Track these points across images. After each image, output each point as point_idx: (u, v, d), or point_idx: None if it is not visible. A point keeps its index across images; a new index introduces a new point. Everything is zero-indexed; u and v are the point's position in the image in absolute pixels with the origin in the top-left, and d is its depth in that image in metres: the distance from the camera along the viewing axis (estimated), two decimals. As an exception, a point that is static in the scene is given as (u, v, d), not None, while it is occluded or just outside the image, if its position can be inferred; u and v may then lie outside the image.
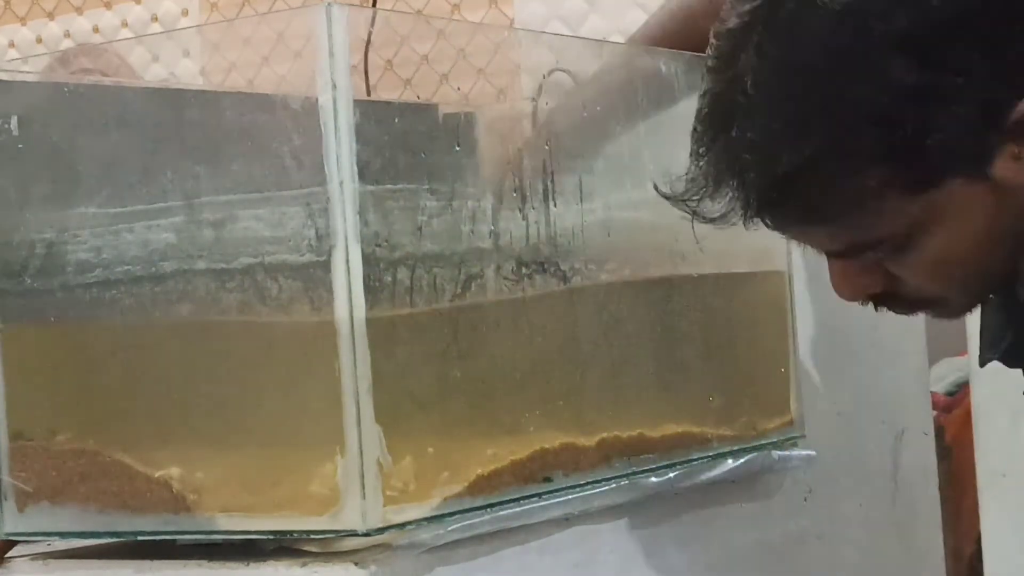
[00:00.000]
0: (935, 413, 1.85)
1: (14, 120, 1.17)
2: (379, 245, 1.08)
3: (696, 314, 1.39)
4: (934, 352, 1.88)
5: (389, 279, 1.11)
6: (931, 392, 1.82)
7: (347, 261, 1.04)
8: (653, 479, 1.29)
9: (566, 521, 1.22)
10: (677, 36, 1.38)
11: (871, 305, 1.19)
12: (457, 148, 1.22)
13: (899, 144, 1.05)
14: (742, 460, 1.38)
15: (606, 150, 1.33)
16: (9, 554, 1.18)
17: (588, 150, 1.32)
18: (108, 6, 1.93)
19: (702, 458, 1.35)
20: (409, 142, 1.14)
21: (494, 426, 1.17)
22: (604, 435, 1.25)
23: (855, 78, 1.05)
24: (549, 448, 1.20)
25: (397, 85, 1.48)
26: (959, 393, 2.91)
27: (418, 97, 1.53)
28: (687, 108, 1.18)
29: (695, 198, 1.11)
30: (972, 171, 1.07)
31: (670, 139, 1.31)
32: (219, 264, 1.13)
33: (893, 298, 1.16)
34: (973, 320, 1.48)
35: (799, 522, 1.52)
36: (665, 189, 1.14)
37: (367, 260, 1.06)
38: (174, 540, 1.12)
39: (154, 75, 1.54)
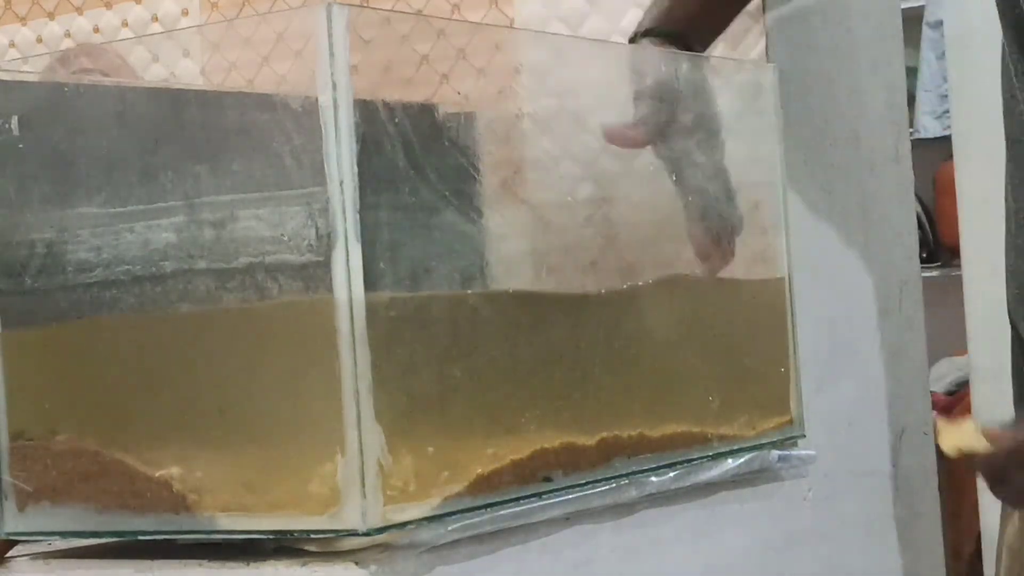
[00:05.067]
0: (935, 413, 1.85)
1: (14, 120, 1.17)
2: (379, 245, 1.09)
3: (696, 315, 1.39)
4: (934, 352, 1.88)
5: (390, 279, 1.11)
6: (931, 392, 1.82)
7: (347, 261, 1.05)
8: (653, 479, 1.29)
9: (566, 521, 1.22)
10: None
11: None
12: (457, 149, 1.23)
13: None
14: (742, 460, 1.39)
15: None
16: (9, 554, 1.18)
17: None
18: (108, 6, 1.93)
19: (702, 458, 1.35)
20: (409, 142, 1.14)
21: (494, 426, 1.17)
22: (604, 435, 1.25)
23: None
24: (549, 448, 1.20)
25: (397, 85, 1.48)
26: (959, 393, 2.91)
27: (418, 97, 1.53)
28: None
29: None
30: None
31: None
32: (219, 264, 1.13)
33: None
34: (973, 319, 1.48)
35: (799, 522, 1.52)
36: None
37: (367, 260, 1.06)
38: (174, 540, 1.12)
39: (154, 75, 1.54)
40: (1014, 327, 1.33)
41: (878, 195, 1.71)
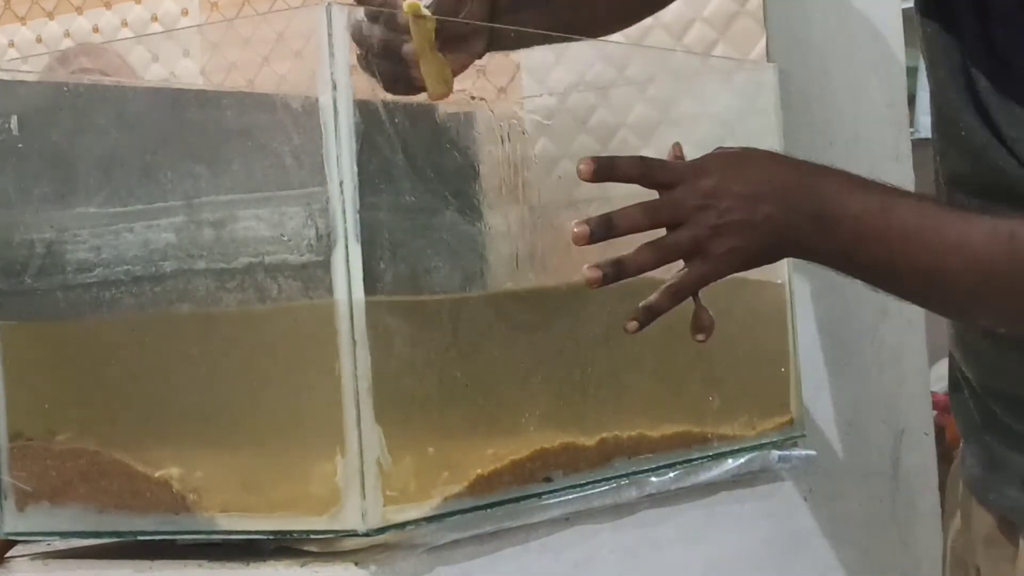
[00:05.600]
0: (935, 413, 1.85)
1: (14, 120, 1.17)
2: (379, 245, 1.08)
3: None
4: (934, 352, 1.88)
5: (389, 279, 1.11)
6: (931, 392, 1.82)
7: (347, 261, 1.04)
8: (653, 479, 1.29)
9: (566, 521, 1.22)
10: None
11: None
12: (457, 149, 1.23)
13: None
14: (742, 460, 1.39)
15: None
16: (9, 554, 1.18)
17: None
18: (108, 6, 1.93)
19: (702, 458, 1.35)
20: (409, 142, 1.14)
21: (494, 426, 1.17)
22: (604, 435, 1.25)
23: None
24: (549, 448, 1.20)
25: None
26: (959, 393, 2.91)
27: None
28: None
29: None
30: None
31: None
32: (219, 264, 1.13)
33: None
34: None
35: (799, 522, 1.52)
36: None
37: (367, 260, 1.06)
38: (174, 540, 1.12)
39: (154, 75, 1.54)
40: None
41: (878, 195, 1.71)
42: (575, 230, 1.09)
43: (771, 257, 1.17)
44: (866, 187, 1.16)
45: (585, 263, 1.11)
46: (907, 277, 1.14)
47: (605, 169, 1.11)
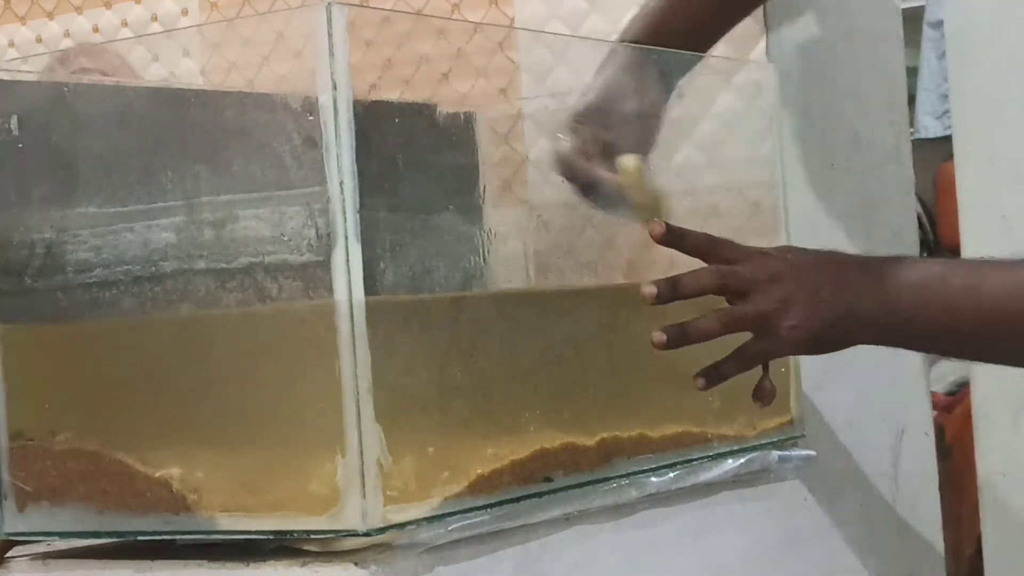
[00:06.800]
0: (935, 413, 1.85)
1: (14, 120, 1.17)
2: (379, 245, 1.09)
3: (697, 314, 1.38)
4: (934, 352, 1.88)
5: (390, 279, 1.11)
6: (931, 392, 1.82)
7: (347, 261, 1.04)
8: (653, 479, 1.29)
9: (566, 521, 1.22)
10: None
11: None
12: (457, 149, 1.23)
13: None
14: (742, 460, 1.39)
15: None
16: (9, 554, 1.18)
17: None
18: (108, 6, 1.93)
19: (702, 458, 1.35)
20: (409, 142, 1.14)
21: (494, 426, 1.17)
22: (604, 435, 1.25)
23: None
24: (549, 448, 1.20)
25: (397, 85, 1.48)
26: (959, 393, 2.91)
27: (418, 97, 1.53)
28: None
29: None
30: None
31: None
32: (219, 264, 1.13)
33: None
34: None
35: (799, 522, 1.52)
36: None
37: (367, 260, 1.06)
38: (174, 540, 1.12)
39: (154, 75, 1.54)
40: None
41: (878, 195, 1.71)
42: (644, 290, 1.15)
43: (832, 339, 1.21)
44: (922, 260, 1.22)
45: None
46: (972, 335, 1.18)
47: (675, 237, 1.18)
